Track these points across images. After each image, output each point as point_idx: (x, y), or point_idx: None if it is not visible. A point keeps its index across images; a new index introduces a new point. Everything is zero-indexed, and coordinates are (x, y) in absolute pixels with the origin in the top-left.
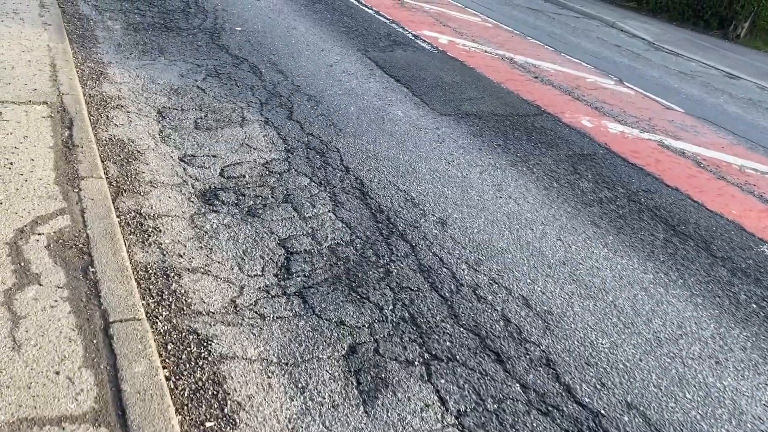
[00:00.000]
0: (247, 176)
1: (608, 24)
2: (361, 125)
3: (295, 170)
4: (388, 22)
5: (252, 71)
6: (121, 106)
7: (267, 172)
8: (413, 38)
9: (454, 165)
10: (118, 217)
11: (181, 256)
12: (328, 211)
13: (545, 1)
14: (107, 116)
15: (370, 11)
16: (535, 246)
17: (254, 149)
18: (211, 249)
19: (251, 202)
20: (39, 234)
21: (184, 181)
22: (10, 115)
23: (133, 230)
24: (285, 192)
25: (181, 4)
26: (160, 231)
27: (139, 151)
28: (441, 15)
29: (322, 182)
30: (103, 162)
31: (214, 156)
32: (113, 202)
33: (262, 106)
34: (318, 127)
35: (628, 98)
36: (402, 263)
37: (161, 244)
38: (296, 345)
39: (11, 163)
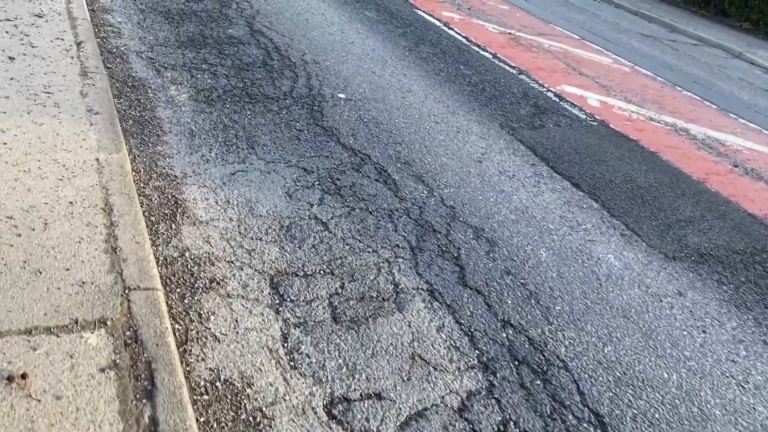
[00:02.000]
0: None
1: (734, 54)
2: (573, 294)
3: (515, 424)
4: (515, 72)
5: (381, 179)
6: (218, 283)
7: None
8: (557, 100)
9: (757, 395)
10: None
11: None
12: None
13: (650, 21)
14: (200, 315)
15: (486, 54)
16: None
17: (434, 368)
18: None
19: None
20: None
21: None
22: (42, 372)
23: None
24: None
25: (259, 53)
26: None
27: (263, 412)
28: (566, 55)
29: None
30: None
31: (378, 397)
32: None
33: (416, 256)
34: (513, 305)
35: None
36: None
37: None
38: None
39: None
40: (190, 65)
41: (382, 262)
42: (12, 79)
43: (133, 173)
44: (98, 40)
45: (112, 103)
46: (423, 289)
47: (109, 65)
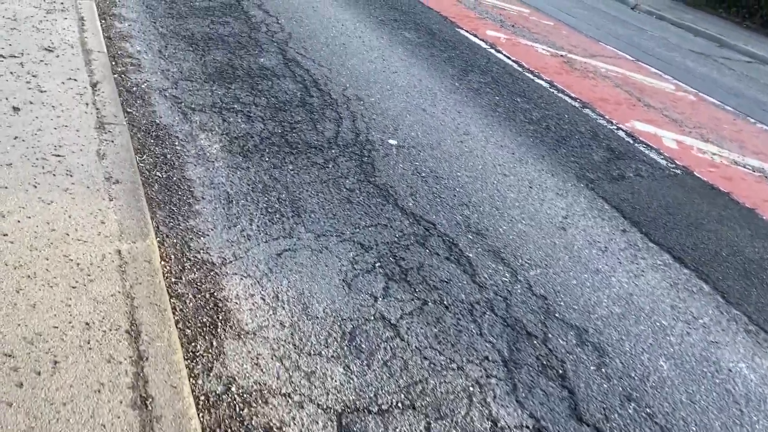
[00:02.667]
0: None
1: None
2: (712, 429)
3: None
4: (577, 105)
5: (453, 257)
6: None
7: None
8: (630, 141)
9: None
10: None
11: None
12: None
13: (696, 35)
14: None
15: (542, 83)
16: None
17: None
18: None
19: None
20: None
21: None
22: None
23: None
24: None
25: (296, 88)
26: None
27: None
28: (626, 81)
29: None
30: None
31: None
32: None
33: (512, 374)
34: None
35: None
36: None
37: None
38: None
39: None
40: (221, 105)
41: (472, 386)
42: (16, 138)
43: (162, 263)
44: (116, 76)
45: (135, 165)
46: (529, 428)
47: (129, 110)
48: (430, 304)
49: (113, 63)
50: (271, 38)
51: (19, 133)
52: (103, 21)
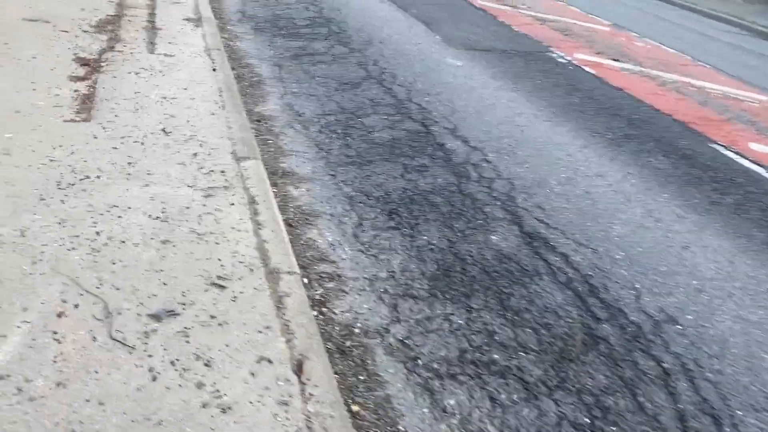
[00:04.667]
0: None
1: None
2: None
3: None
4: None
5: None
6: None
7: None
8: None
9: None
10: None
11: None
12: None
13: None
14: None
15: None
16: None
17: None
18: None
19: None
20: None
21: None
22: None
23: None
24: None
25: (565, 300)
26: None
27: None
28: None
29: None
30: None
31: None
32: None
33: None
34: None
35: None
36: None
37: None
38: None
39: None
40: (475, 361)
41: None
42: None
43: None
44: (315, 313)
45: None
46: None
47: (359, 412)
48: None
49: (306, 282)
50: (489, 191)
51: None
52: (275, 189)
